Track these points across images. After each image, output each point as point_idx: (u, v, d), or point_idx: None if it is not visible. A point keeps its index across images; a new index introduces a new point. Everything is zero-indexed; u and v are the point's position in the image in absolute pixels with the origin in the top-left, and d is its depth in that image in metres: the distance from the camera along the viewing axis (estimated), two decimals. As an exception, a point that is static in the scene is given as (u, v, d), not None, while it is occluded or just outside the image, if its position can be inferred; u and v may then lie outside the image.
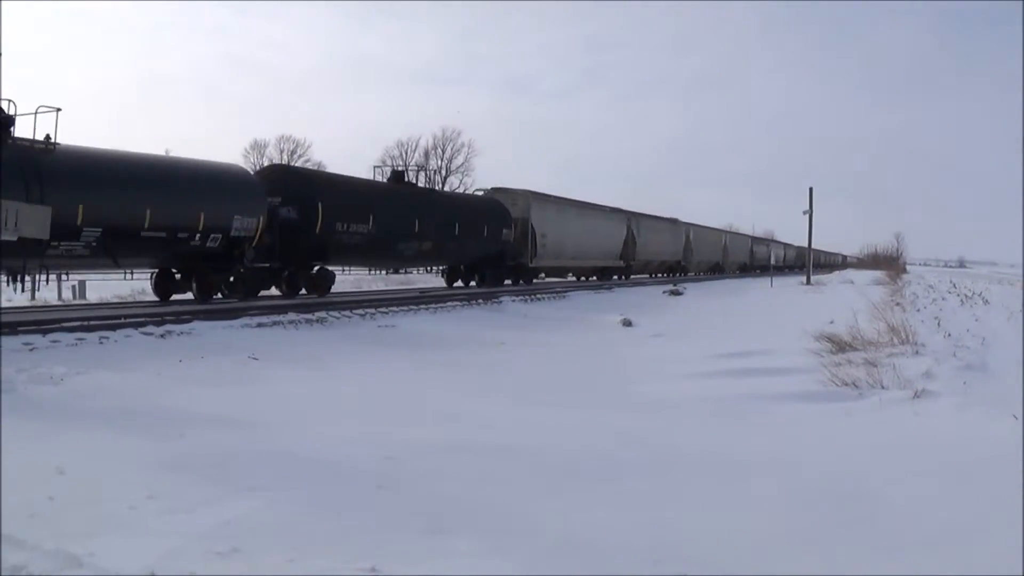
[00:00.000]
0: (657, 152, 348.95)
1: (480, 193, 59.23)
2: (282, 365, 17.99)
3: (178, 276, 31.68)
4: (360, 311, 28.77)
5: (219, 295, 31.41)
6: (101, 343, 18.88)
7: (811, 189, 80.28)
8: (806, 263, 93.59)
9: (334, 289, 39.50)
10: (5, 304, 25.19)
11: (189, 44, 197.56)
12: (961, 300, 42.18)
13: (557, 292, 48.20)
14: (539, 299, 42.44)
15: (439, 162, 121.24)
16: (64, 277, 32.52)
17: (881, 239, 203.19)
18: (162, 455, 10.23)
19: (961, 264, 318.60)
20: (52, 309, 26.96)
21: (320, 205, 35.65)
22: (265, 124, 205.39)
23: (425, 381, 17.56)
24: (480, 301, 36.83)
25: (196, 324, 21.89)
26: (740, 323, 33.47)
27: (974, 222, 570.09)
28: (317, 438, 11.79)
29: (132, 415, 12.50)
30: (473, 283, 53.24)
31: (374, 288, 49.81)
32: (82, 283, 35.74)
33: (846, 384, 16.67)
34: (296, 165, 36.58)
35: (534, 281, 57.68)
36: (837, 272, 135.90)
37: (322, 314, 26.58)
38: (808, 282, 76.31)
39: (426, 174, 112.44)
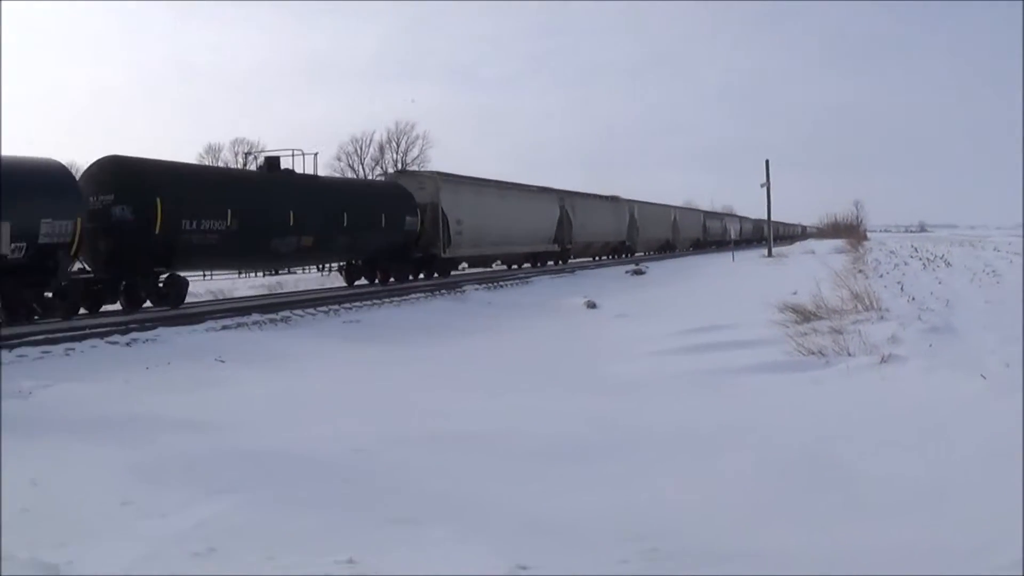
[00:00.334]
0: (609, 135, 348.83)
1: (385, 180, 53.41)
2: (249, 366, 17.92)
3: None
4: (324, 308, 28.49)
5: (36, 316, 25.97)
6: (67, 355, 18.71)
7: (767, 161, 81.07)
8: (766, 236, 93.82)
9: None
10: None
11: (134, 51, 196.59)
12: (923, 264, 42.35)
13: (520, 278, 47.77)
14: (502, 286, 42.19)
15: (394, 156, 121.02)
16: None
17: (840, 208, 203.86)
18: (134, 461, 10.20)
19: (922, 228, 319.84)
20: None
21: (159, 201, 29.28)
22: (218, 128, 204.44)
23: (392, 373, 17.53)
24: (443, 292, 36.52)
25: (161, 331, 21.71)
26: (704, 299, 33.50)
27: (933, 186, 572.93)
28: (286, 436, 11.81)
29: (102, 424, 12.44)
30: (387, 281, 45.34)
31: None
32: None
33: (812, 353, 16.74)
34: (129, 155, 25.83)
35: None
36: (798, 243, 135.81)
37: (286, 313, 26.41)
38: (769, 254, 76.60)
39: (382, 168, 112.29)
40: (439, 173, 51.91)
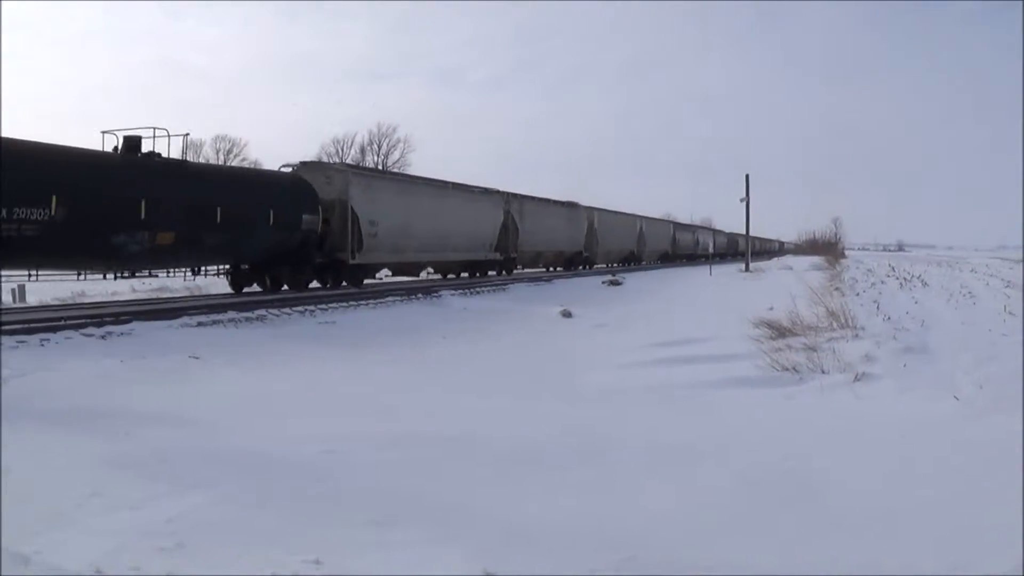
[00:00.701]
0: (591, 141, 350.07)
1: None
2: (223, 363, 17.87)
3: None
4: (300, 308, 28.43)
5: None
6: (42, 345, 18.68)
7: (747, 176, 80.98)
8: (742, 250, 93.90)
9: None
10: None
11: (120, 51, 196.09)
12: (900, 283, 42.50)
13: (496, 285, 47.25)
14: (479, 292, 42.04)
15: (376, 158, 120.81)
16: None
17: (819, 224, 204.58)
18: (106, 454, 10.19)
19: (900, 248, 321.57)
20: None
21: None
22: (202, 127, 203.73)
23: (365, 375, 17.49)
24: (420, 296, 36.58)
25: (136, 325, 21.65)
26: (680, 311, 33.56)
27: (912, 206, 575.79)
28: (258, 434, 11.76)
29: (75, 415, 12.42)
30: (280, 289, 38.07)
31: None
32: (21, 287, 34.88)
33: (787, 369, 16.76)
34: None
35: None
36: (776, 259, 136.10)
37: (262, 312, 26.34)
38: (747, 269, 76.77)
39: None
40: (349, 166, 46.58)
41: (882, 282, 43.75)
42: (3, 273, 27.42)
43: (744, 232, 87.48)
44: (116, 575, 6.58)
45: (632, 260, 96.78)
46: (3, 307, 27.98)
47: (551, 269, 72.68)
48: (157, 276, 38.15)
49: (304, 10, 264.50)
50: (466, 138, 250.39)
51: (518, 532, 7.94)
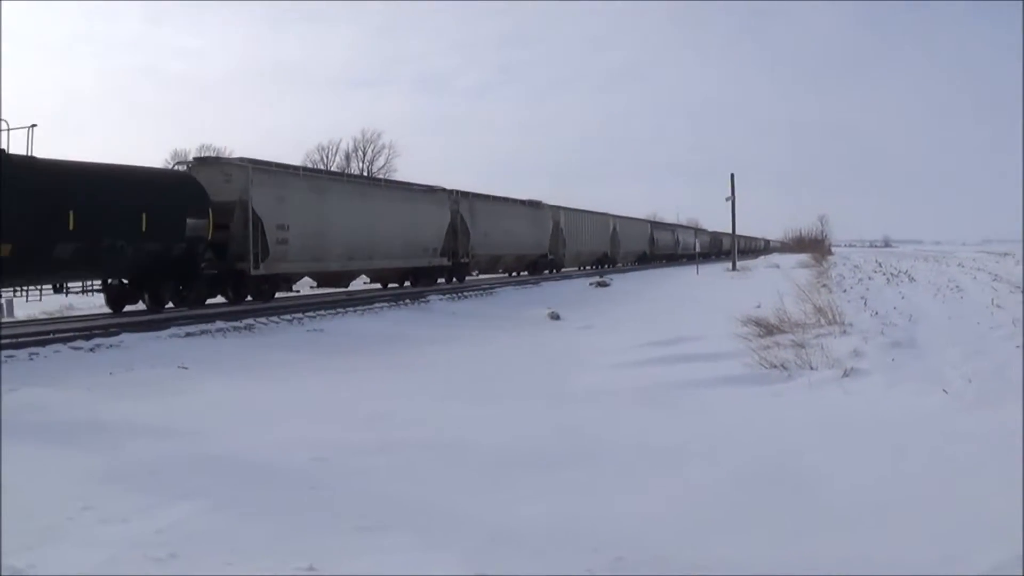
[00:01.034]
0: (579, 146, 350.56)
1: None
2: (211, 373, 17.83)
3: None
4: (288, 316, 28.40)
5: None
6: (31, 359, 18.61)
7: (732, 175, 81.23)
8: (726, 249, 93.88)
9: None
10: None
11: (104, 58, 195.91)
12: (887, 279, 42.51)
13: (484, 288, 46.51)
14: (467, 296, 41.71)
15: (360, 165, 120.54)
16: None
17: (805, 222, 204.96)
18: (97, 467, 10.17)
19: (886, 243, 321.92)
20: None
21: None
22: (186, 134, 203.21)
23: (354, 382, 17.46)
24: (407, 301, 36.42)
25: (124, 337, 21.57)
26: (668, 311, 33.54)
27: (898, 202, 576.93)
28: (248, 443, 11.74)
29: (65, 429, 12.38)
30: (163, 306, 31.70)
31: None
32: (9, 301, 34.43)
33: (775, 366, 16.78)
34: None
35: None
36: (762, 257, 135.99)
37: (250, 321, 26.25)
38: (734, 268, 76.82)
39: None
40: (252, 161, 36.71)
41: (869, 278, 43.76)
42: None
43: (728, 231, 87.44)
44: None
45: (605, 262, 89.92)
46: None
47: (513, 274, 66.61)
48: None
49: (287, 17, 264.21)
50: (453, 144, 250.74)
51: (509, 535, 7.95)
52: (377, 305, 33.94)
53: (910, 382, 14.68)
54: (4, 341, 19.82)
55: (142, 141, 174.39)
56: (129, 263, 29.72)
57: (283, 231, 35.92)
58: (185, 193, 31.82)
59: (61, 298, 31.87)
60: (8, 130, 26.23)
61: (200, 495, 9.01)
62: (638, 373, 17.69)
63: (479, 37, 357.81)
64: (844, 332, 20.01)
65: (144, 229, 29.24)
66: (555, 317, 31.50)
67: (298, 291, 40.70)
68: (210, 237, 32.21)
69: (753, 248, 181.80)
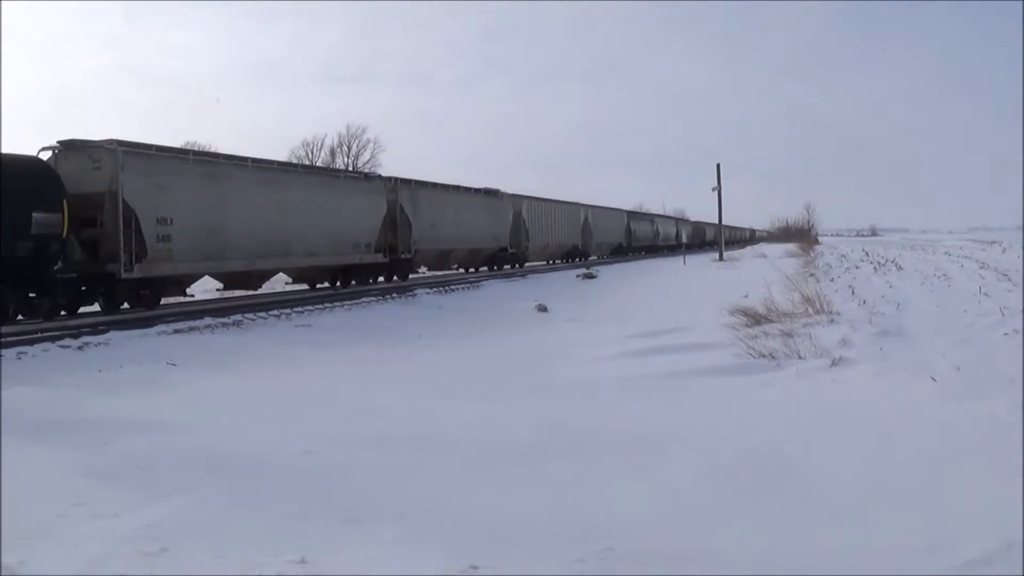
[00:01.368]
0: (564, 139, 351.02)
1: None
2: (200, 369, 17.79)
3: None
4: (276, 312, 28.40)
5: None
6: (19, 358, 18.56)
7: (718, 165, 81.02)
8: (709, 240, 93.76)
9: None
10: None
11: (89, 53, 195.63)
12: (874, 267, 42.59)
13: (470, 283, 46.07)
14: (453, 290, 41.63)
15: (345, 159, 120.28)
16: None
17: (792, 211, 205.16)
18: (87, 463, 10.16)
19: (873, 232, 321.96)
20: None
21: None
22: (172, 132, 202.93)
23: (342, 377, 17.44)
24: (394, 295, 36.45)
25: (113, 334, 21.49)
26: (655, 302, 33.49)
27: (884, 190, 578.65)
28: (237, 438, 11.76)
29: (55, 427, 12.34)
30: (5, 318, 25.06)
31: None
32: None
33: (763, 356, 16.80)
34: None
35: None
36: (749, 247, 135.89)
37: (238, 317, 26.21)
38: (721, 258, 76.88)
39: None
40: (124, 143, 29.66)
41: (856, 267, 43.90)
42: None
43: (711, 221, 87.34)
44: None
45: (576, 256, 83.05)
46: None
47: (471, 270, 60.63)
48: None
49: (270, 14, 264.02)
50: (437, 139, 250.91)
51: (496, 527, 7.98)
52: (364, 300, 33.92)
53: (898, 371, 14.69)
54: None
55: (128, 137, 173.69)
56: None
57: (165, 226, 29.74)
58: (31, 182, 25.85)
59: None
60: None
61: (190, 490, 9.04)
62: (626, 364, 17.71)
63: (461, 31, 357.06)
64: (832, 321, 20.04)
65: None
66: (542, 309, 31.49)
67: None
68: (65, 233, 26.32)
69: (738, 238, 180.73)
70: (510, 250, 64.07)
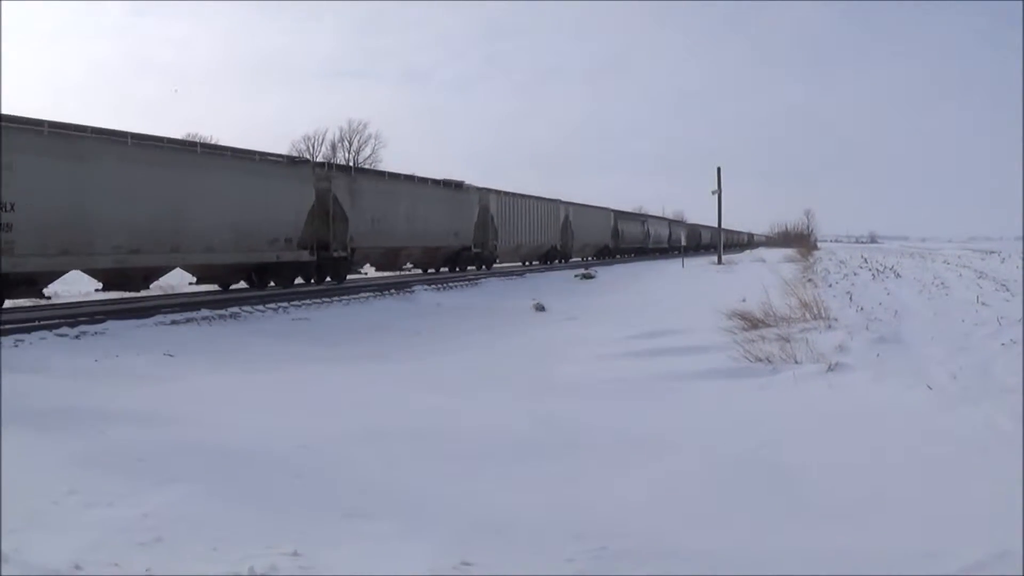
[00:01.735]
0: (563, 139, 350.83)
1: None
2: (197, 361, 17.82)
3: None
4: (273, 305, 28.39)
5: None
6: (16, 346, 18.54)
7: (719, 168, 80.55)
8: (705, 243, 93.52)
9: None
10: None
11: (89, 46, 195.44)
12: (873, 274, 42.57)
13: (469, 280, 45.57)
14: (451, 287, 41.61)
15: (346, 155, 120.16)
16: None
17: (791, 217, 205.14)
18: (82, 452, 10.11)
19: (873, 239, 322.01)
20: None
21: None
22: (172, 125, 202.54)
23: (339, 371, 17.43)
24: (392, 291, 36.38)
25: (110, 324, 21.49)
26: (653, 304, 33.44)
27: (885, 197, 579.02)
28: (233, 430, 11.72)
29: (50, 415, 12.29)
30: None
31: None
32: None
33: (760, 360, 16.80)
34: None
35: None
36: (748, 251, 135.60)
37: (235, 309, 26.35)
38: (719, 262, 76.80)
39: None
40: None
41: (855, 273, 43.82)
42: None
43: (708, 224, 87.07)
44: (95, 572, 6.57)
45: (556, 257, 76.77)
46: None
47: (430, 271, 54.63)
48: None
49: (272, 8, 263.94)
50: (436, 137, 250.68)
51: (491, 524, 7.99)
52: (363, 295, 33.94)
53: (895, 377, 14.71)
54: None
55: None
56: None
57: (9, 213, 23.84)
58: None
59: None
60: None
61: (186, 480, 8.99)
62: (623, 365, 17.70)
63: (461, 30, 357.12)
64: (829, 327, 20.04)
65: None
66: (540, 308, 31.47)
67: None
68: None
69: (736, 242, 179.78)
70: (474, 249, 57.27)
